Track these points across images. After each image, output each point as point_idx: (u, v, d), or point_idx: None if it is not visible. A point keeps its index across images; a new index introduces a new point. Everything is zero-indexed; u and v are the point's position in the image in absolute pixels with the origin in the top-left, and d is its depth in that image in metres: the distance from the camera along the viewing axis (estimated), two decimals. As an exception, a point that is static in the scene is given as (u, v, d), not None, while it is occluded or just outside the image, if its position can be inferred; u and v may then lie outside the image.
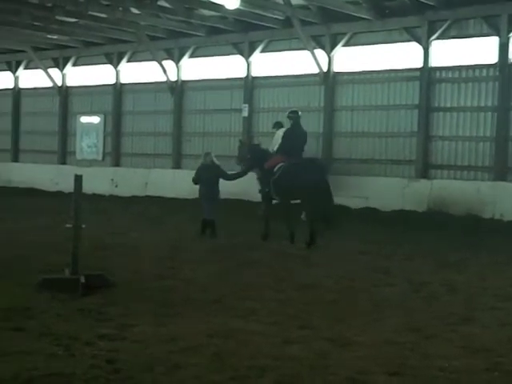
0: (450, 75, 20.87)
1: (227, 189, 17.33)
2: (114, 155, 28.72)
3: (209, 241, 15.09)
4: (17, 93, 32.47)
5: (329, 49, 22.77)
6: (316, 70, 22.90)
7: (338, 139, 23.03)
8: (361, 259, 13.11)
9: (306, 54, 22.89)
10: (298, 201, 15.20)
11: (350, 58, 22.70)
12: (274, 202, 15.78)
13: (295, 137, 15.91)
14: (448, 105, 20.88)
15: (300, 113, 16.49)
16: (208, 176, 16.03)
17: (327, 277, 11.08)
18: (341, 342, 7.18)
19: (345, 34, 22.48)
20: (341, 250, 14.17)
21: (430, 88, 21.05)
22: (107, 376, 5.92)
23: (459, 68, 20.62)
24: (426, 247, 15.06)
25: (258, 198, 16.80)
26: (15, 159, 32.45)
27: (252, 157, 16.36)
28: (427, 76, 20.97)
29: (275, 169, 15.22)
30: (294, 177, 14.70)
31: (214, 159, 16.41)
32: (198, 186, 16.35)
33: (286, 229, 14.90)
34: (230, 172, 16.76)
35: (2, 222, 17.65)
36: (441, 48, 20.89)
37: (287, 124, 16.96)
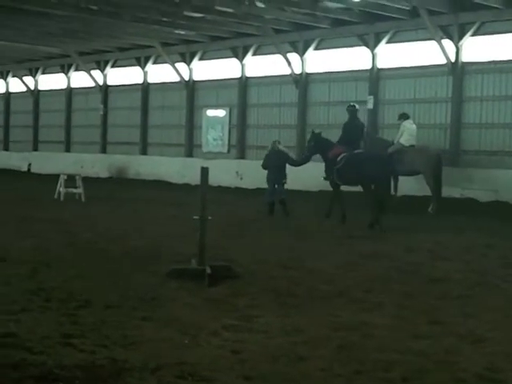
0: None
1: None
2: (239, 148, 29.02)
3: (332, 232, 15.03)
4: (146, 87, 33.29)
5: (457, 38, 22.22)
6: (443, 61, 22.41)
7: (466, 130, 22.47)
8: (490, 254, 12.71)
9: (432, 44, 22.44)
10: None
11: (479, 48, 22.09)
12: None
13: (352, 129, 17.65)
14: None
15: (357, 106, 18.36)
16: (275, 162, 17.94)
17: (455, 271, 10.80)
18: (471, 339, 6.97)
19: (473, 23, 21.87)
20: (469, 244, 13.81)
21: None
22: (232, 366, 5.96)
23: None
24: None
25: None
26: (144, 152, 33.28)
27: (315, 145, 17.63)
28: (561, 64, 20.19)
29: (338, 158, 16.68)
30: (357, 167, 16.26)
31: (281, 146, 18.47)
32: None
33: (340, 210, 16.72)
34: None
35: (132, 213, 18.17)
36: None
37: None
